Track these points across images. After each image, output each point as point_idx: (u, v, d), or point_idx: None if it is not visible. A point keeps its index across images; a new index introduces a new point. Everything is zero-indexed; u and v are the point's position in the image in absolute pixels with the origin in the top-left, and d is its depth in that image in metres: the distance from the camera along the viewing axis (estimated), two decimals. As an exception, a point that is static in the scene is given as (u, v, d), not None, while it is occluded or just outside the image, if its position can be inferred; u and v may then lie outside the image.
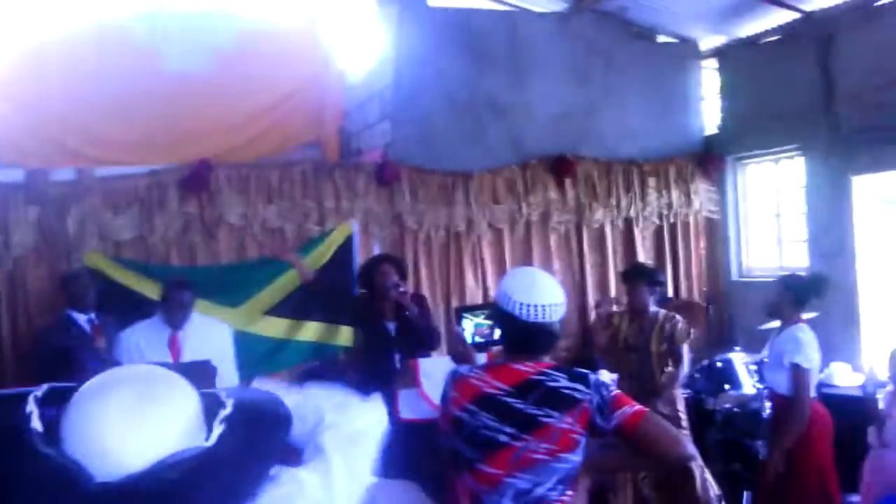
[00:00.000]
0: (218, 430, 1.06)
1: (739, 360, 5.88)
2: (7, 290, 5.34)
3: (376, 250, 6.26)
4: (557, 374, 2.36)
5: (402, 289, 5.08)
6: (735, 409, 5.34)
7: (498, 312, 2.46)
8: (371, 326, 5.24)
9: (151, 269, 5.47)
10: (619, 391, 2.40)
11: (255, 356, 5.47)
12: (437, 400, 2.82)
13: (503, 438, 2.32)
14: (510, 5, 7.46)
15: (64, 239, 5.44)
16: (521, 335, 2.40)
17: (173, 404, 1.06)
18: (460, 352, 3.14)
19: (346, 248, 6.00)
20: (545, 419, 2.30)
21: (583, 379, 2.36)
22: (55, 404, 1.05)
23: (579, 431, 2.31)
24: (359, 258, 6.06)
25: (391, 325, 5.13)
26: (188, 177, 5.76)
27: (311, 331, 5.80)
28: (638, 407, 2.32)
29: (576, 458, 2.33)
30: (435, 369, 4.39)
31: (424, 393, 4.53)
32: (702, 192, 7.37)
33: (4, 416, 1.03)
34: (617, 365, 5.05)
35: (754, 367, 5.78)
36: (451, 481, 2.53)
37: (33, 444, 1.00)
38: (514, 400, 2.33)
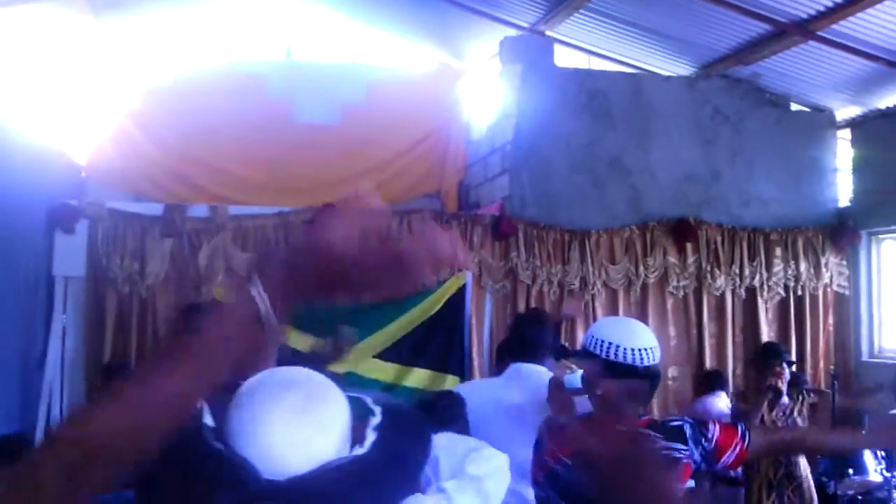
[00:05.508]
0: (371, 437, 1.08)
1: (868, 444, 5.49)
2: (138, 315, 5.66)
3: (488, 303, 6.28)
4: (653, 433, 2.28)
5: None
6: (859, 497, 5.01)
7: (601, 363, 2.35)
8: None
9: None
10: (718, 432, 2.30)
11: (363, 399, 5.54)
12: None
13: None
14: (636, 68, 7.47)
15: (195, 271, 5.73)
16: (631, 382, 2.31)
17: (334, 409, 1.09)
18: (559, 399, 3.05)
19: (458, 298, 6.05)
20: None
21: (679, 434, 2.28)
22: (216, 400, 1.08)
23: (679, 488, 2.24)
24: (470, 309, 6.10)
25: None
26: (313, 220, 5.97)
27: (418, 378, 5.84)
28: (739, 446, 2.29)
29: None
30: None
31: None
32: (832, 265, 7.01)
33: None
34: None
35: (882, 454, 5.40)
36: None
37: (205, 439, 1.04)
38: None
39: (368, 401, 1.15)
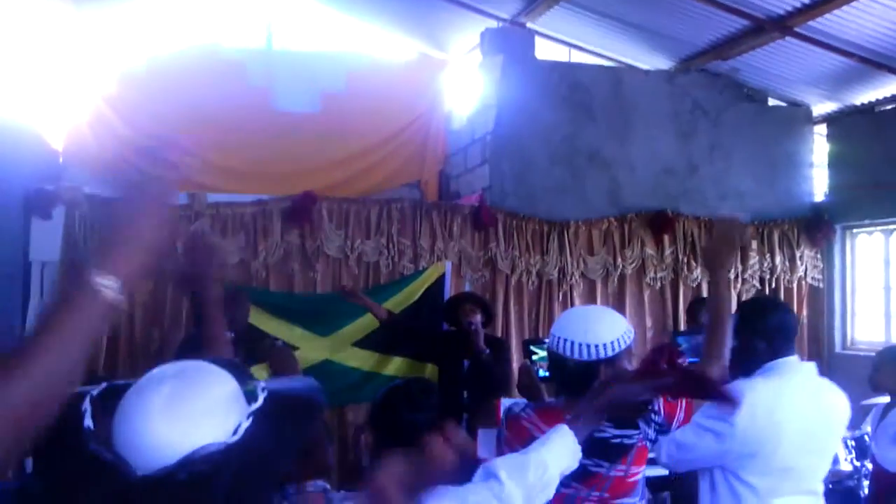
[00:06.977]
0: (245, 424, 1.09)
1: (837, 433, 5.56)
2: (117, 302, 5.63)
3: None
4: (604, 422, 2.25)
5: (474, 326, 5.02)
6: (829, 485, 5.05)
7: (548, 350, 2.38)
8: (448, 361, 5.25)
9: (252, 292, 5.64)
10: (662, 401, 2.31)
11: (341, 386, 5.57)
12: None
13: None
14: (616, 61, 7.51)
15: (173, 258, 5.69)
16: (556, 373, 2.34)
17: (208, 399, 1.10)
18: (527, 385, 3.07)
19: (437, 287, 6.07)
20: (595, 469, 2.22)
21: (628, 420, 2.26)
22: (114, 401, 1.10)
23: (635, 471, 2.26)
24: (449, 298, 6.12)
25: (466, 363, 5.13)
26: (292, 207, 5.96)
27: (397, 366, 5.85)
28: (684, 412, 2.33)
29: (632, 500, 2.26)
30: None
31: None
32: (807, 258, 7.12)
33: (63, 414, 1.08)
34: None
35: (852, 443, 5.47)
36: None
37: (83, 441, 1.06)
38: None
39: (259, 387, 1.15)
